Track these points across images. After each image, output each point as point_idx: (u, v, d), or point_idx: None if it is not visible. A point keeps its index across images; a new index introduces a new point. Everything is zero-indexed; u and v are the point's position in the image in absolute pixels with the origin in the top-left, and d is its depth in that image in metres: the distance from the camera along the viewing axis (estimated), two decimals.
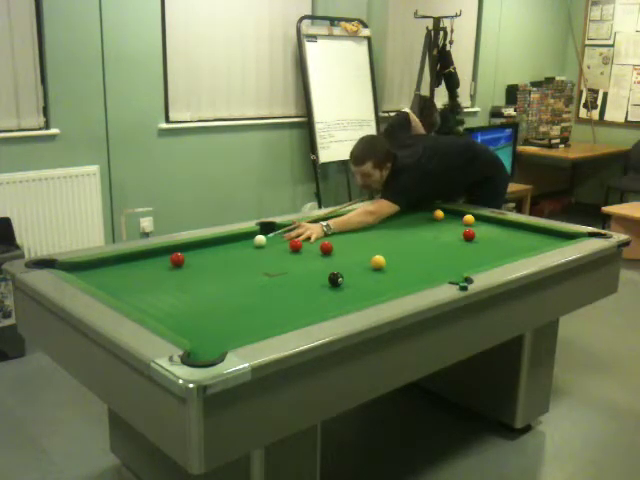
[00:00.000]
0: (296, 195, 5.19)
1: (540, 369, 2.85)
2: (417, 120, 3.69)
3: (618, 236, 2.86)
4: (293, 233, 2.85)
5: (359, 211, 3.11)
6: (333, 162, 5.12)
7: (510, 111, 6.64)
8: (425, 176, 3.19)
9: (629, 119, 6.95)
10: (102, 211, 4.10)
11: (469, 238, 2.89)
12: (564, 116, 7.18)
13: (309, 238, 2.82)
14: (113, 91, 4.09)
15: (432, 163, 3.21)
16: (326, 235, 2.90)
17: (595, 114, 7.20)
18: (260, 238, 2.75)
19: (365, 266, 2.45)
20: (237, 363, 1.57)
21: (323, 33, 4.99)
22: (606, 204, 6.06)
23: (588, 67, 7.24)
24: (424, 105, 5.25)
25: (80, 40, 3.91)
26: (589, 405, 3.19)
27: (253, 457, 1.84)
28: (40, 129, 3.88)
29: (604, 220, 5.95)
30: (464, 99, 6.09)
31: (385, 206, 3.14)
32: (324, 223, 2.95)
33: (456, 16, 5.28)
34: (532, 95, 6.82)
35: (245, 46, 4.69)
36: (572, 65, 7.35)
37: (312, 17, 5.00)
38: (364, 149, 3.18)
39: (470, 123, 6.14)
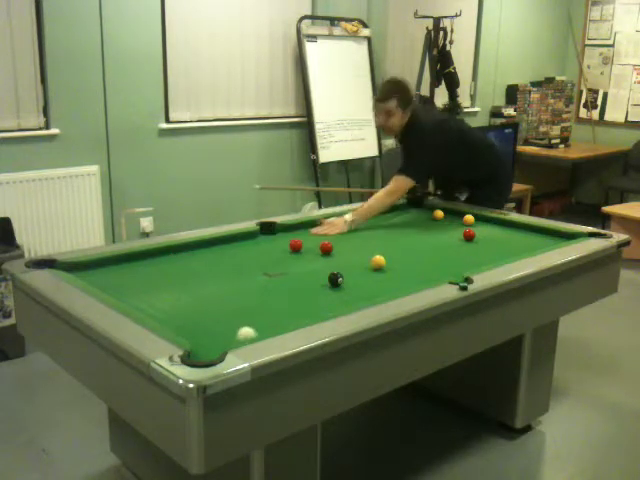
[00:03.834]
0: (296, 195, 5.19)
1: (540, 369, 2.84)
2: None
3: (618, 236, 2.86)
4: (320, 231, 2.94)
5: (380, 195, 3.16)
6: (333, 162, 5.12)
7: (510, 111, 6.64)
8: (443, 137, 3.24)
9: (629, 119, 6.95)
10: (102, 211, 4.10)
11: (469, 238, 2.89)
12: (564, 116, 7.18)
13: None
14: (113, 91, 4.09)
15: (451, 127, 3.31)
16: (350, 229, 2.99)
17: (595, 114, 7.20)
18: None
19: (365, 266, 2.45)
20: (237, 363, 1.57)
21: (323, 33, 4.99)
22: (606, 204, 6.06)
23: (588, 67, 7.24)
24: (424, 105, 5.25)
25: (80, 40, 3.91)
26: (589, 405, 3.19)
27: (253, 457, 1.84)
28: (40, 129, 3.88)
29: (604, 220, 5.95)
30: (464, 99, 6.09)
31: (402, 182, 3.18)
32: (347, 217, 3.01)
33: (456, 16, 5.28)
34: (532, 95, 6.82)
35: (245, 46, 4.69)
36: (572, 65, 7.35)
37: (312, 17, 5.00)
38: (390, 86, 3.24)
39: (470, 123, 6.10)
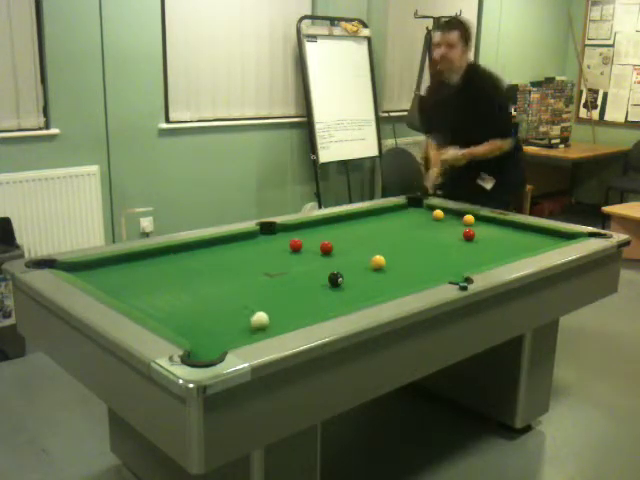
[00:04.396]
0: (296, 195, 5.19)
1: (540, 369, 2.85)
2: None
3: (618, 236, 2.86)
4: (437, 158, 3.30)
5: (493, 147, 3.30)
6: (333, 162, 5.12)
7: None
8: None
9: (629, 119, 6.95)
10: (102, 211, 4.10)
11: (469, 238, 2.89)
12: (564, 116, 7.17)
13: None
14: (113, 91, 4.09)
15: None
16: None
17: (595, 114, 7.20)
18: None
19: (365, 266, 2.45)
20: (237, 363, 1.57)
21: (323, 33, 4.99)
22: (606, 204, 6.06)
23: (588, 67, 7.24)
24: None
25: (80, 40, 3.91)
26: (589, 405, 3.19)
27: (253, 457, 1.84)
28: (40, 129, 3.88)
29: (604, 220, 5.95)
30: None
31: (508, 143, 3.34)
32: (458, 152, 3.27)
33: (456, 16, 5.28)
34: (532, 95, 6.81)
35: (245, 46, 4.69)
36: (572, 65, 7.35)
37: (312, 17, 5.00)
38: (455, 20, 3.34)
39: None
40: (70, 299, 1.99)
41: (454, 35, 3.26)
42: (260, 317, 1.86)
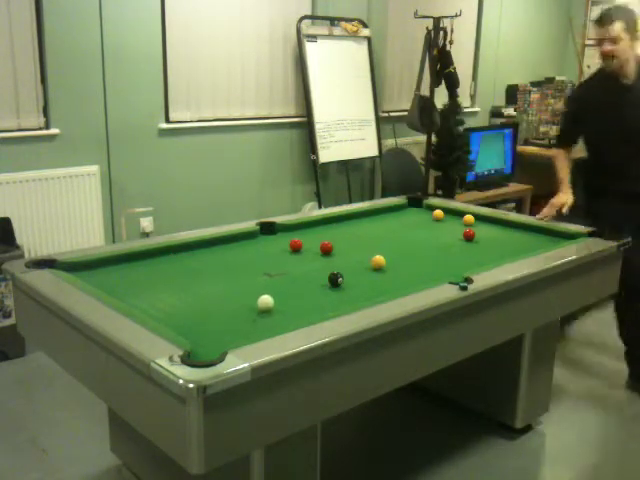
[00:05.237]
0: (296, 195, 5.19)
1: (540, 369, 2.85)
2: None
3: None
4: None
5: None
6: (333, 162, 5.12)
7: (510, 111, 6.64)
8: None
9: None
10: (102, 211, 4.10)
11: (469, 238, 2.89)
12: None
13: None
14: (113, 91, 4.09)
15: None
16: None
17: None
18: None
19: (365, 266, 2.45)
20: (237, 363, 1.57)
21: (323, 33, 4.99)
22: None
23: (588, 67, 7.22)
24: (424, 105, 5.25)
25: (80, 40, 3.91)
26: (589, 405, 3.19)
27: (253, 457, 1.84)
28: (40, 129, 3.88)
29: None
30: (464, 99, 6.09)
31: None
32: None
33: (456, 16, 5.27)
34: (532, 95, 6.81)
35: (245, 46, 4.69)
36: (572, 65, 7.35)
37: (312, 17, 5.00)
38: (614, 10, 2.95)
39: (470, 123, 6.13)
40: (70, 299, 1.99)
41: (616, 28, 2.89)
42: (265, 299, 2.00)
